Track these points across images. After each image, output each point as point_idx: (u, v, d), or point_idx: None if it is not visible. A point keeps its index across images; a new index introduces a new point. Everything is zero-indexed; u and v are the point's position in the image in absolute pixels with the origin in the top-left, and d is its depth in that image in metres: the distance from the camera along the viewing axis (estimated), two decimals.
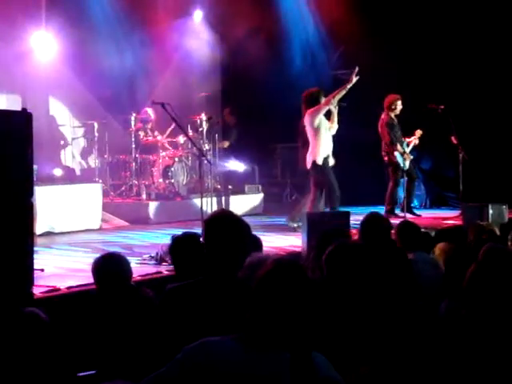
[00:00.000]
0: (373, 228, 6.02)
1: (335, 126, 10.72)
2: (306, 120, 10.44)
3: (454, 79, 13.83)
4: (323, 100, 10.38)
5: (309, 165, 10.45)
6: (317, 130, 10.36)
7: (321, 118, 10.40)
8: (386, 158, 12.04)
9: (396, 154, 11.80)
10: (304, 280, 2.81)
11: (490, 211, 9.67)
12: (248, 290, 2.88)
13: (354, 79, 10.21)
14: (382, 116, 11.92)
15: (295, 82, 14.21)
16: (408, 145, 12.09)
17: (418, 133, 12.12)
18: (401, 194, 13.84)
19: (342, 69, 15.47)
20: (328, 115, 10.61)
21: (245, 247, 3.59)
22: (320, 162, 10.32)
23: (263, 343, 2.71)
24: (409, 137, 12.13)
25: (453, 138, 11.88)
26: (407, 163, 11.90)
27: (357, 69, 10.20)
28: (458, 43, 13.81)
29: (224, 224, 3.59)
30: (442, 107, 11.95)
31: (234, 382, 2.69)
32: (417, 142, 12.13)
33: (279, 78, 13.95)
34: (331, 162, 10.49)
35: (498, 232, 7.14)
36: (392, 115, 11.94)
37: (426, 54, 13.99)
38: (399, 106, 11.87)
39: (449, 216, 12.00)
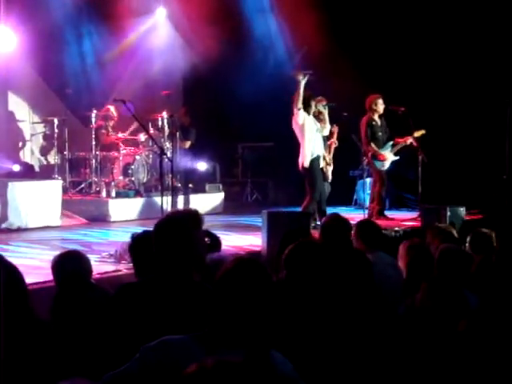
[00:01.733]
0: (333, 229, 6.06)
1: (327, 127, 10.81)
2: (293, 122, 10.55)
3: (415, 82, 13.95)
4: (313, 103, 10.51)
5: (300, 166, 10.55)
6: (302, 132, 10.46)
7: (304, 119, 10.46)
8: (365, 159, 12.10)
9: (370, 154, 11.83)
10: (264, 278, 2.82)
11: (448, 213, 9.79)
12: (202, 290, 2.89)
13: (302, 78, 10.32)
14: (364, 117, 11.89)
15: (257, 82, 14.25)
16: (394, 145, 11.88)
17: (419, 133, 11.93)
18: (360, 193, 13.99)
19: (305, 69, 15.57)
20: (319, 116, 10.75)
21: (195, 246, 3.58)
22: (306, 163, 10.41)
23: (223, 342, 2.72)
24: (402, 137, 11.97)
25: (412, 140, 11.95)
26: (386, 163, 11.85)
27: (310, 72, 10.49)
28: (418, 44, 13.93)
29: (171, 223, 3.59)
30: (403, 109, 12.03)
31: None
32: (408, 142, 11.88)
33: (241, 77, 13.95)
34: (321, 163, 10.59)
35: (455, 234, 7.22)
36: (374, 116, 11.74)
37: (386, 56, 14.09)
38: (380, 105, 11.66)
39: (407, 217, 12.10)
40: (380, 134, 11.83)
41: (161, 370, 2.73)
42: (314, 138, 10.52)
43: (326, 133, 10.91)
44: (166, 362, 2.72)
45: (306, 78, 10.45)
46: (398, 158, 11.98)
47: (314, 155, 10.50)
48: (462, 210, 10.19)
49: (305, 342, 3.56)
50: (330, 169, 11.37)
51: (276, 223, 8.25)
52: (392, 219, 11.83)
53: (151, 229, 3.79)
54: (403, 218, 12.12)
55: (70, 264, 4.77)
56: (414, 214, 12.11)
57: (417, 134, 11.93)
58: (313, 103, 10.59)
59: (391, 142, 11.95)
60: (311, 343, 3.56)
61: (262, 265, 2.95)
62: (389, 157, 11.87)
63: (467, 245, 6.56)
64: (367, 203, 13.02)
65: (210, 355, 2.69)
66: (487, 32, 13.45)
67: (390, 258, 6.15)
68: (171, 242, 3.51)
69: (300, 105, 10.44)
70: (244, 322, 2.73)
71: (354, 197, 14.38)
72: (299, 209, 10.36)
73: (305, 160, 10.45)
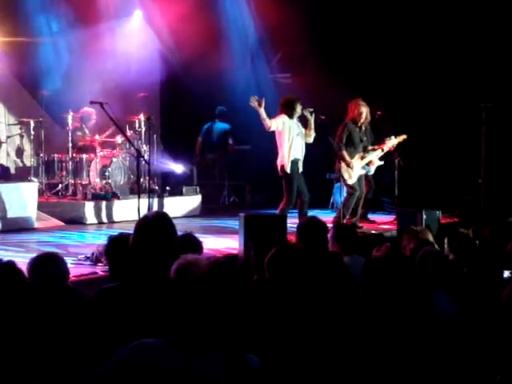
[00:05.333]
0: (310, 232, 6.09)
1: (312, 134, 10.77)
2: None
3: (391, 85, 14.04)
4: (298, 108, 10.50)
5: (279, 169, 10.59)
6: (281, 136, 10.46)
7: (283, 123, 10.46)
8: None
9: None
10: (239, 282, 2.83)
11: (424, 216, 9.84)
12: (178, 292, 2.89)
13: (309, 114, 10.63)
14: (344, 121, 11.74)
15: (234, 85, 14.28)
16: (371, 151, 11.61)
17: (400, 138, 11.77)
18: (337, 196, 14.00)
19: (281, 73, 15.62)
20: (305, 123, 10.76)
21: (172, 249, 3.58)
22: (287, 168, 10.42)
23: (198, 345, 2.72)
24: (382, 142, 11.79)
25: (382, 143, 11.91)
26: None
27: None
28: (394, 48, 14.02)
29: (151, 226, 3.58)
30: (380, 113, 12.08)
31: (169, 383, 2.70)
32: (386, 148, 11.69)
33: (218, 80, 13.98)
34: (300, 167, 10.58)
35: (431, 238, 7.27)
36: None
37: (363, 60, 14.16)
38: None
39: (384, 221, 12.16)
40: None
41: (136, 371, 2.73)
42: (294, 141, 10.52)
43: (310, 141, 10.83)
44: (142, 364, 2.73)
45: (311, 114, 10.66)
46: (382, 162, 11.88)
47: (292, 159, 10.50)
48: (438, 213, 10.25)
49: (287, 343, 3.57)
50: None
51: (253, 226, 8.26)
52: (374, 222, 11.88)
53: (128, 231, 3.78)
54: (380, 220, 12.18)
55: (46, 267, 4.74)
56: (391, 218, 12.16)
57: (398, 138, 11.87)
58: (298, 107, 10.58)
59: (370, 148, 11.73)
60: (294, 344, 3.56)
61: (238, 268, 2.96)
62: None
63: (446, 246, 6.60)
64: None
65: (186, 358, 2.70)
66: (463, 38, 13.55)
67: (364, 260, 6.17)
68: (150, 244, 3.51)
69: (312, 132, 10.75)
70: (217, 324, 2.74)
71: (331, 200, 14.41)
72: (276, 212, 10.37)
73: (286, 164, 10.46)
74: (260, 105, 10.27)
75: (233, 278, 2.82)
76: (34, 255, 4.95)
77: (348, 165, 11.25)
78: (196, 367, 2.70)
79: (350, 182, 11.20)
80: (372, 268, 3.71)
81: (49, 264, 4.76)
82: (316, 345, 3.55)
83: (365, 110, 11.39)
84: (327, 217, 12.18)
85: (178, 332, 2.76)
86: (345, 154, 11.29)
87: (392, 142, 11.77)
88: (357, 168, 11.34)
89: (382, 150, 11.72)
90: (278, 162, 10.59)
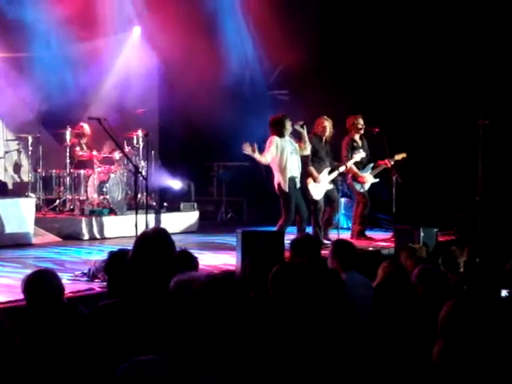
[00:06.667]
0: (303, 248, 6.09)
1: (308, 146, 10.82)
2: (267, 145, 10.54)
3: (389, 103, 14.06)
4: (288, 125, 10.50)
5: (276, 188, 10.54)
6: (276, 157, 10.44)
7: (276, 148, 10.44)
8: (347, 179, 12.15)
9: (350, 175, 11.88)
10: (234, 299, 2.82)
11: (422, 234, 9.83)
12: (173, 308, 2.88)
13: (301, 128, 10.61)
14: (345, 137, 11.93)
15: (233, 101, 14.30)
16: (375, 167, 11.93)
17: (400, 156, 11.97)
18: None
19: (279, 89, 15.66)
20: (299, 136, 10.78)
21: (171, 266, 3.57)
22: (286, 187, 10.40)
23: (193, 362, 2.71)
24: (381, 159, 11.99)
25: (386, 161, 12.00)
26: (366, 185, 11.84)
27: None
28: (391, 66, 14.05)
29: (150, 242, 3.57)
30: (377, 130, 12.10)
31: None
32: (389, 165, 11.88)
33: (216, 96, 13.99)
34: (297, 183, 10.58)
35: (424, 255, 7.27)
36: (355, 136, 11.83)
37: (361, 77, 14.19)
38: (361, 125, 11.78)
39: (381, 238, 12.14)
40: (358, 155, 11.83)
41: None
42: (289, 161, 10.48)
43: (307, 153, 10.91)
44: (138, 380, 2.72)
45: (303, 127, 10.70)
46: (377, 180, 12.03)
47: (289, 177, 10.46)
48: (436, 231, 10.24)
49: (289, 358, 3.56)
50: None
51: (250, 242, 8.25)
52: (372, 239, 11.88)
53: (127, 247, 3.77)
54: (377, 238, 12.16)
55: (41, 284, 4.72)
56: (388, 235, 12.15)
57: (397, 156, 12.01)
58: (287, 124, 10.57)
59: (371, 164, 12.01)
60: (296, 360, 3.56)
61: (233, 284, 2.95)
62: (369, 179, 11.92)
63: (441, 267, 6.60)
64: (341, 223, 13.05)
65: (182, 375, 2.69)
66: (461, 54, 13.60)
67: (363, 278, 6.17)
68: (150, 260, 3.50)
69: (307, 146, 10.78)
70: (211, 341, 2.73)
71: None
72: (274, 228, 10.35)
73: (282, 183, 10.43)
74: (254, 150, 10.28)
75: (227, 294, 2.81)
76: (28, 273, 4.92)
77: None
78: None
79: (317, 197, 11.21)
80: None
81: (43, 280, 4.74)
82: (316, 359, 3.55)
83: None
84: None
85: (174, 348, 2.75)
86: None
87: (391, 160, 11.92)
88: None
89: (386, 165, 11.91)
90: (275, 181, 10.56)
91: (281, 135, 10.48)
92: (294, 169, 10.55)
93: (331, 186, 11.48)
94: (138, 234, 8.37)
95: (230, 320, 2.76)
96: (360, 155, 11.76)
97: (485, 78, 13.33)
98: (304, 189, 10.99)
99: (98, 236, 11.97)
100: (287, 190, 10.42)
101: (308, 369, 3.55)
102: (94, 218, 12.09)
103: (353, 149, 11.83)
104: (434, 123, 13.97)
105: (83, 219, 11.98)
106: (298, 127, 10.74)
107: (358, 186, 11.92)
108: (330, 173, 11.42)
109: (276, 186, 10.54)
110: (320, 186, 11.26)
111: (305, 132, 10.80)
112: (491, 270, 5.73)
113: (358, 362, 3.73)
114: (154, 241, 3.56)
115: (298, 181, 10.60)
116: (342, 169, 11.64)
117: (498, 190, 13.47)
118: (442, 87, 13.88)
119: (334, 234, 11.50)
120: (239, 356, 2.82)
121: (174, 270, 3.57)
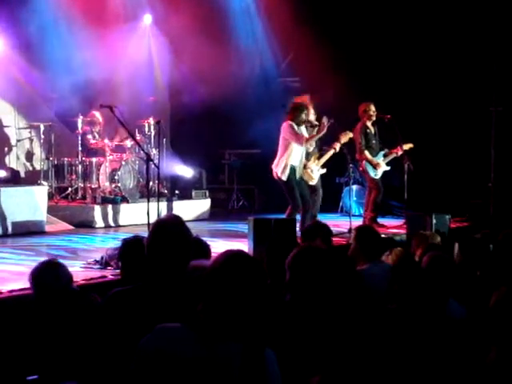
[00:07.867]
0: (314, 235, 6.07)
1: (313, 143, 10.80)
2: (283, 129, 10.45)
3: (401, 90, 14.01)
4: (303, 116, 10.43)
5: (274, 175, 10.47)
6: (286, 144, 10.36)
7: (297, 130, 10.40)
8: (360, 167, 12.17)
9: (364, 162, 11.87)
10: (258, 270, 2.84)
11: (434, 221, 9.80)
12: (196, 281, 2.90)
13: (326, 126, 10.38)
14: (357, 125, 11.92)
15: (244, 88, 14.29)
16: (386, 155, 11.97)
17: (407, 146, 11.98)
18: (346, 200, 14.01)
19: (291, 76, 15.63)
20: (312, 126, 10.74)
21: (187, 253, 3.58)
22: (284, 177, 10.33)
23: (216, 334, 2.74)
24: (395, 147, 11.99)
25: (399, 148, 11.98)
26: (379, 172, 11.87)
27: (332, 121, 10.45)
28: (404, 53, 14.00)
29: (167, 229, 3.58)
30: (389, 117, 12.05)
31: (187, 368, 2.73)
32: (399, 154, 11.92)
33: (228, 83, 13.96)
34: (298, 173, 10.50)
35: (439, 242, 7.22)
36: (367, 123, 11.86)
37: (373, 63, 14.15)
38: (373, 111, 11.80)
39: (393, 225, 12.12)
40: (374, 141, 11.91)
41: (158, 356, 2.77)
42: (298, 150, 10.42)
43: (310, 149, 10.90)
44: (163, 348, 2.78)
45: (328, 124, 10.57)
46: (389, 168, 12.01)
47: (290, 165, 10.37)
48: (448, 218, 10.20)
49: (310, 345, 3.56)
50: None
51: (262, 230, 8.26)
52: (384, 226, 11.83)
53: (142, 234, 3.77)
54: (389, 224, 12.14)
55: (47, 275, 4.73)
56: (400, 222, 12.13)
57: (405, 147, 11.98)
58: (304, 114, 10.49)
59: (383, 152, 11.99)
60: (310, 350, 3.56)
61: (254, 257, 2.98)
62: (382, 165, 11.91)
63: (456, 251, 6.54)
64: (353, 210, 13.04)
65: (203, 344, 2.72)
66: (473, 42, 13.53)
67: (386, 265, 5.99)
68: (167, 246, 3.51)
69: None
70: (237, 311, 2.75)
71: (340, 204, 14.41)
72: (284, 216, 10.33)
73: (283, 173, 10.34)
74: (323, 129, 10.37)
75: (249, 266, 2.85)
76: (34, 266, 4.92)
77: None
78: (214, 354, 2.72)
79: (312, 182, 11.10)
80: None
81: (49, 271, 4.75)
82: (327, 349, 3.55)
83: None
84: (337, 220, 12.23)
85: (198, 318, 2.77)
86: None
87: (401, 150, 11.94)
88: (315, 169, 11.21)
89: (397, 154, 11.95)
90: (274, 168, 10.47)
91: (298, 124, 10.41)
92: (297, 158, 10.43)
93: (323, 171, 11.30)
94: (151, 221, 8.43)
95: (254, 291, 2.80)
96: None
97: (497, 64, 13.25)
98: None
99: (110, 224, 12.01)
100: (286, 180, 10.33)
101: (325, 350, 3.56)
102: (106, 206, 12.13)
103: (366, 135, 11.82)
104: (447, 110, 13.93)
105: (95, 207, 12.01)
106: (325, 120, 10.50)
107: (372, 173, 11.87)
108: (319, 159, 11.25)
109: (275, 174, 10.43)
110: (312, 173, 11.05)
111: (325, 130, 10.57)
112: (506, 256, 5.70)
113: (374, 349, 3.73)
114: (171, 227, 3.57)
115: (298, 171, 10.48)
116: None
117: (511, 176, 13.41)
118: (454, 74, 13.82)
119: (345, 221, 11.48)
120: (263, 331, 2.84)
121: (190, 256, 3.58)
